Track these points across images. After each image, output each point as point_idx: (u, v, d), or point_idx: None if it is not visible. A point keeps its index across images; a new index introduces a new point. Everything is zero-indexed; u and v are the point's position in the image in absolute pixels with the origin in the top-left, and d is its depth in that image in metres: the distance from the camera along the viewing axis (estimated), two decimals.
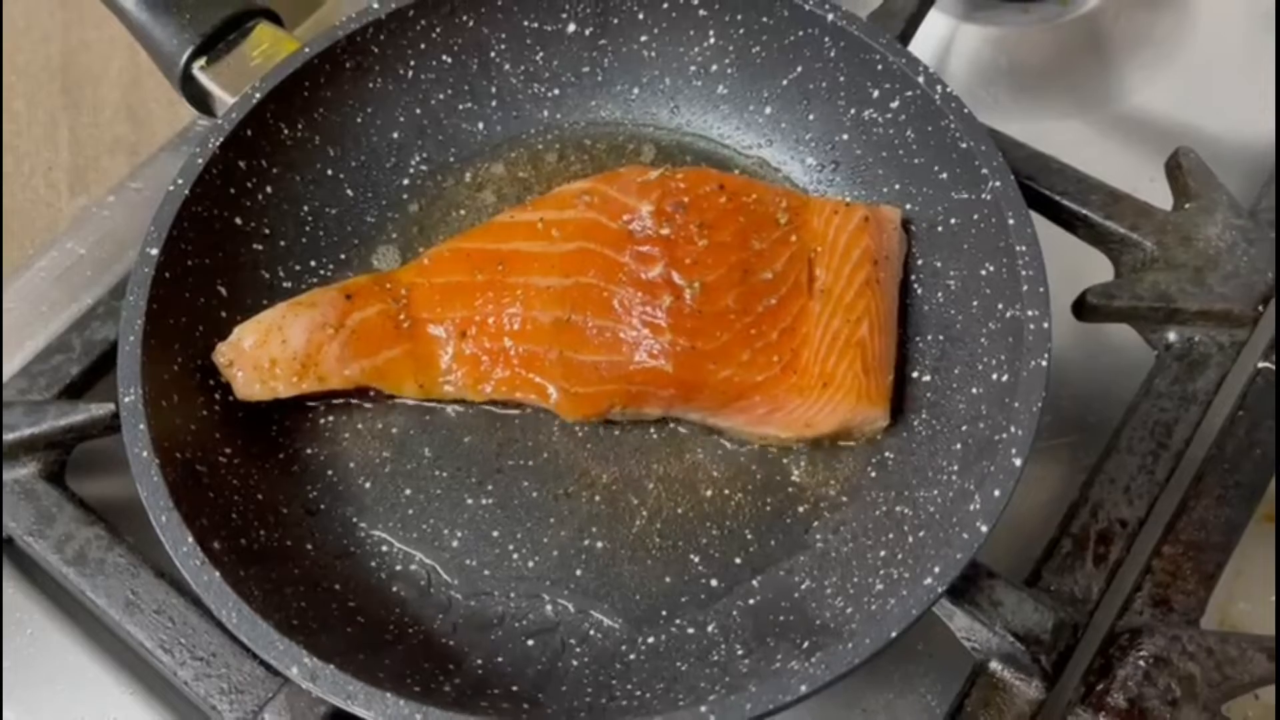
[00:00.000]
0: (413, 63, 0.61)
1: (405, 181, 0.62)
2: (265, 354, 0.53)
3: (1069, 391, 0.61)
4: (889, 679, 0.54)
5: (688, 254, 0.53)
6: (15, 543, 0.55)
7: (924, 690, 0.54)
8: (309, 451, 0.55)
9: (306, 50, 0.58)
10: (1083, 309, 0.58)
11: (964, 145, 0.53)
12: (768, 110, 0.61)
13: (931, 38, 0.76)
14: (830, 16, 0.57)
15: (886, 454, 0.53)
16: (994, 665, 0.50)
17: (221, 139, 0.55)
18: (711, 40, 0.61)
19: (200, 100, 0.61)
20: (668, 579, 0.51)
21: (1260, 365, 0.57)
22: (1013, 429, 0.46)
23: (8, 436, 0.54)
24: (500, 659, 0.49)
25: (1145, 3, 0.77)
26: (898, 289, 0.55)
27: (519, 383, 0.54)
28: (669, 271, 0.52)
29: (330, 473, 0.54)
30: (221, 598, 0.44)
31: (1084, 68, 0.75)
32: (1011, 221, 0.51)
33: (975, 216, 0.53)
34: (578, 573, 0.52)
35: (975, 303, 0.53)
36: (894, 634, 0.42)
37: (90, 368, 0.58)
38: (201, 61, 0.60)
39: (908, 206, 0.57)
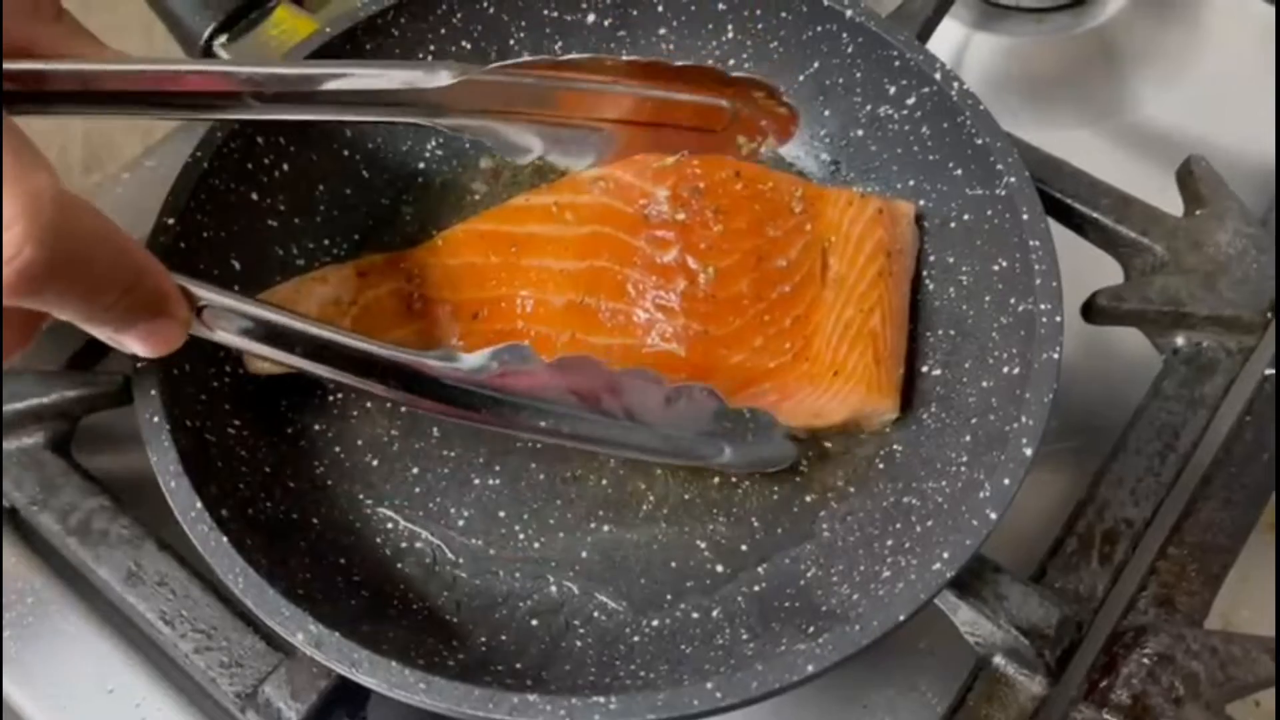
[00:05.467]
0: (432, 47, 0.61)
1: (421, 165, 0.62)
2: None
3: (1076, 394, 0.61)
4: (890, 676, 0.54)
5: (703, 239, 0.53)
6: (18, 512, 0.54)
7: (925, 688, 0.54)
8: (317, 427, 0.55)
9: (327, 30, 0.58)
10: (1092, 311, 0.58)
11: (979, 142, 0.53)
12: None
13: (945, 46, 0.76)
14: (849, 13, 0.57)
15: (895, 446, 0.53)
16: (997, 660, 0.50)
17: None
18: (730, 34, 0.61)
19: None
20: (673, 564, 0.51)
21: (1268, 372, 0.58)
22: (1024, 419, 0.46)
23: (15, 405, 0.54)
24: (504, 637, 0.49)
25: (1157, 15, 0.77)
26: (909, 283, 0.56)
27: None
28: (684, 256, 0.52)
29: (338, 449, 0.54)
30: (228, 562, 0.44)
31: (1095, 78, 0.76)
32: (1026, 217, 0.51)
33: (989, 212, 0.53)
34: (583, 555, 0.52)
35: (987, 298, 0.53)
36: (902, 617, 0.42)
37: (100, 340, 0.58)
38: (222, 39, 0.61)
39: (921, 202, 0.57)
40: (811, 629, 0.46)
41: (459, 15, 0.60)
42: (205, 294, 0.44)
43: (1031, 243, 0.50)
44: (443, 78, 0.49)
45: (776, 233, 0.54)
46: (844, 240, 0.54)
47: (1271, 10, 0.76)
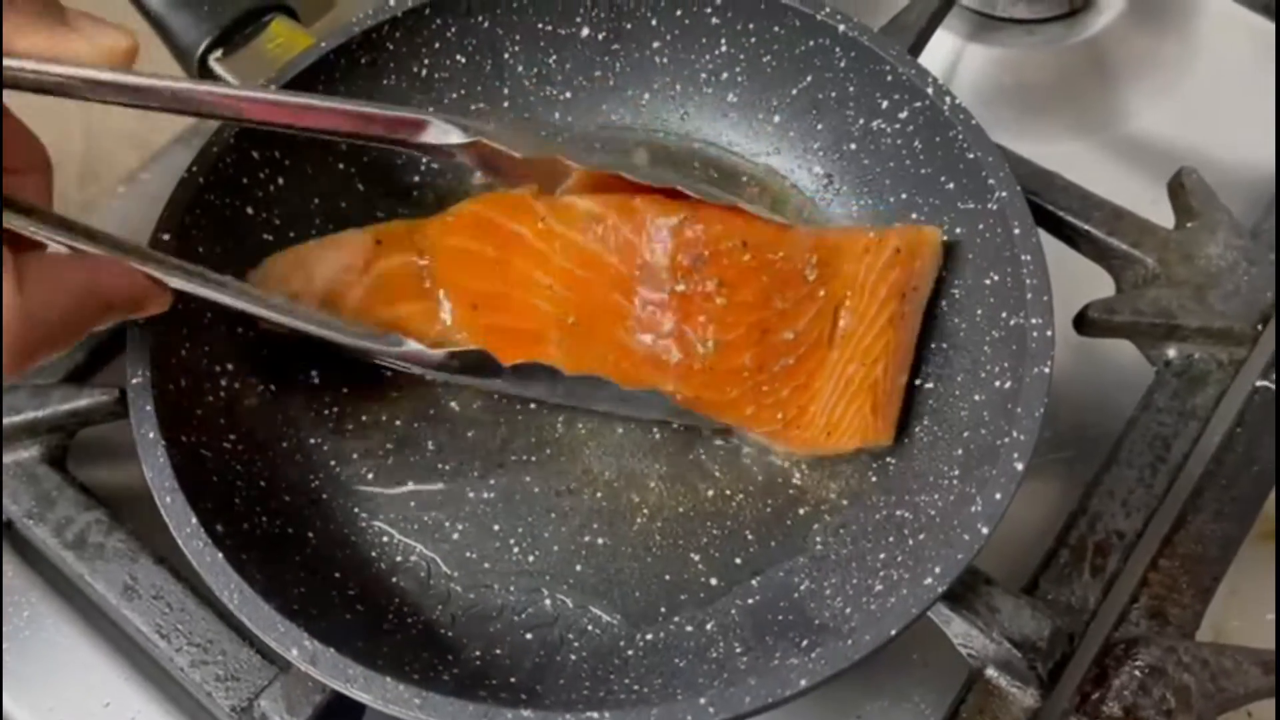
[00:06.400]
0: (427, 61, 0.61)
1: (416, 179, 0.62)
2: (289, 288, 0.53)
3: (1068, 406, 0.61)
4: (883, 688, 0.54)
5: (703, 311, 0.51)
6: (15, 526, 0.55)
7: (918, 699, 0.54)
8: (313, 441, 0.55)
9: (322, 45, 0.58)
10: (1084, 323, 0.59)
11: (971, 156, 0.54)
12: (777, 119, 0.62)
13: (937, 57, 0.76)
14: (842, 27, 0.57)
15: (888, 459, 0.54)
16: (990, 672, 0.50)
17: (236, 130, 0.55)
18: (723, 48, 0.62)
19: None
20: (667, 577, 0.52)
21: (1259, 384, 0.58)
22: (1015, 434, 0.46)
23: (12, 419, 0.54)
24: (498, 651, 0.49)
25: (1150, 27, 0.78)
26: (922, 315, 0.54)
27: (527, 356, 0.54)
28: (681, 328, 0.51)
29: (333, 463, 0.54)
30: (224, 579, 0.44)
31: (1088, 90, 0.76)
32: (1017, 231, 0.51)
33: (981, 226, 0.54)
34: (578, 568, 0.52)
35: (979, 311, 0.53)
36: (894, 631, 0.42)
37: (96, 353, 0.58)
38: (218, 53, 0.61)
39: (913, 216, 0.57)
40: (805, 642, 0.46)
41: (453, 30, 0.61)
42: (177, 283, 0.46)
43: (1023, 257, 0.50)
44: (453, 136, 0.50)
45: (785, 304, 0.51)
46: (858, 292, 0.52)
47: (1264, 21, 0.77)
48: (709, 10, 0.61)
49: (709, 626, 0.50)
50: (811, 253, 0.52)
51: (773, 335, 0.51)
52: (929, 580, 0.43)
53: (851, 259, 0.52)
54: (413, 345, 0.50)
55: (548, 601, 0.51)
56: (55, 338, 0.41)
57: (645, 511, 0.53)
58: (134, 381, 0.48)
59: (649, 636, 0.50)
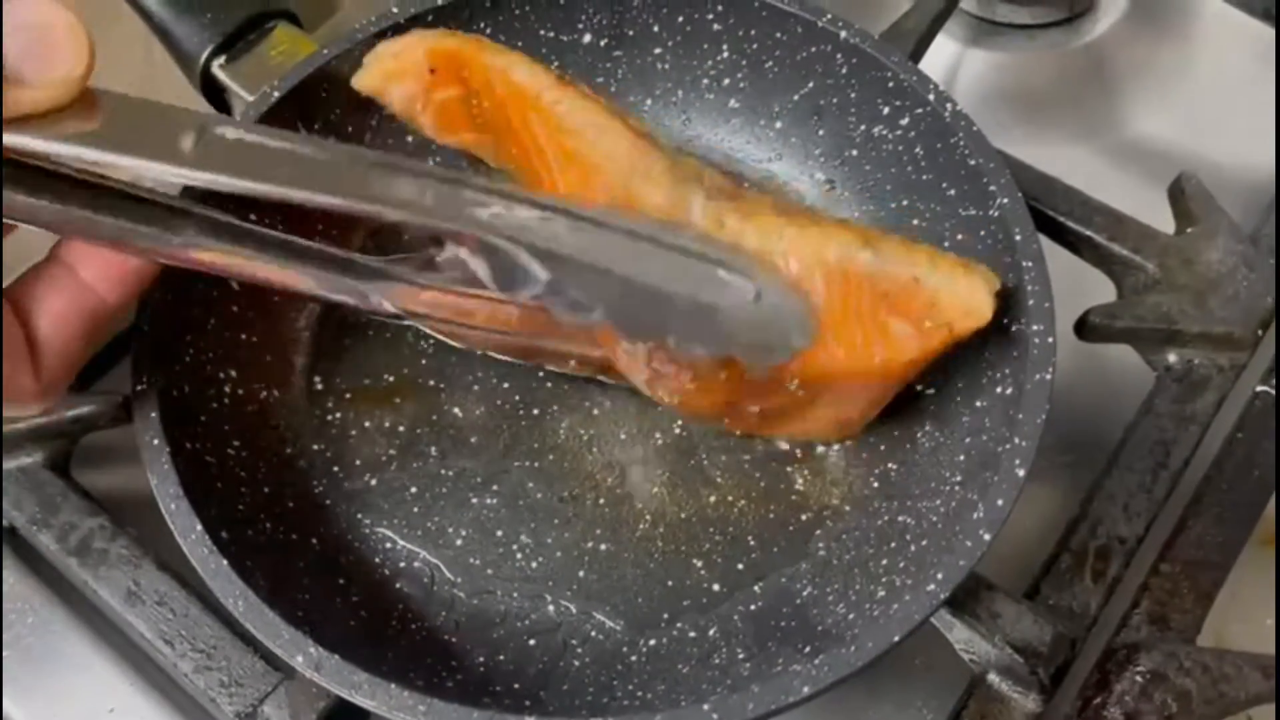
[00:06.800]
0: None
1: None
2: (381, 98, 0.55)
3: (1069, 411, 0.61)
4: (887, 693, 0.55)
5: (668, 389, 0.51)
6: (18, 532, 0.55)
7: (920, 704, 0.54)
8: (315, 447, 0.55)
9: (325, 52, 0.58)
10: (1085, 329, 0.59)
11: (973, 162, 0.54)
12: (778, 125, 0.62)
13: (938, 63, 0.77)
14: (843, 34, 0.58)
15: (889, 465, 0.54)
16: (992, 677, 0.50)
17: None
18: (725, 54, 0.62)
19: (218, 98, 0.62)
20: (670, 583, 0.52)
21: (1259, 389, 0.58)
22: (1016, 440, 0.46)
23: (15, 425, 0.55)
24: (502, 657, 0.49)
25: (1150, 32, 0.78)
26: None
27: None
28: (652, 385, 0.51)
29: (336, 469, 0.54)
30: (229, 586, 0.44)
31: (1089, 95, 0.76)
32: (1018, 237, 0.51)
33: (982, 233, 0.54)
34: (580, 574, 0.52)
35: None
36: (896, 638, 0.42)
37: (99, 359, 0.59)
38: (221, 60, 0.61)
39: (914, 222, 0.58)
40: (808, 649, 0.47)
41: None
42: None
43: (1024, 264, 0.50)
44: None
45: (756, 386, 0.49)
46: (845, 395, 0.50)
47: (1263, 26, 0.77)
48: (710, 16, 0.61)
49: (711, 632, 0.50)
50: (794, 377, 0.48)
51: (737, 405, 0.51)
52: (931, 586, 0.44)
53: (849, 379, 0.49)
54: (388, 307, 0.48)
55: (551, 608, 0.51)
56: (72, 375, 0.43)
57: (647, 517, 0.53)
58: (139, 388, 0.48)
59: (652, 642, 0.50)
